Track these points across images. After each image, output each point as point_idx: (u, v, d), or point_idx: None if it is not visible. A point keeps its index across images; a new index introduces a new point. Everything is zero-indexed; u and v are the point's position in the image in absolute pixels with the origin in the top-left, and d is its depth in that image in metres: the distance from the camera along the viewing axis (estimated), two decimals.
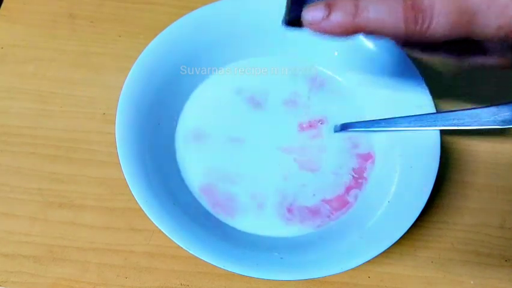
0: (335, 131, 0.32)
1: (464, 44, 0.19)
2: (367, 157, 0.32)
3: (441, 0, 0.18)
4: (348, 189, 0.31)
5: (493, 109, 0.28)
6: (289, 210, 0.30)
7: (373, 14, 0.19)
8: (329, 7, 0.19)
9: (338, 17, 0.19)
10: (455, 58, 0.22)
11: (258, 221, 0.30)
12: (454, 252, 0.31)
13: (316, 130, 0.33)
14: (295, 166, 0.31)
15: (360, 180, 0.31)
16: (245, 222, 0.30)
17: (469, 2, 0.18)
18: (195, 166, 0.31)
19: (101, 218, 0.31)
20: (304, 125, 0.33)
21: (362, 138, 0.32)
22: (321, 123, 0.33)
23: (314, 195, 0.30)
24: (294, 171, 0.31)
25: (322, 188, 0.31)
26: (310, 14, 0.20)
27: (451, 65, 0.37)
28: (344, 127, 0.32)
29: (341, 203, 0.30)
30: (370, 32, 0.19)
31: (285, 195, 0.30)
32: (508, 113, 0.28)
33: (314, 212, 0.30)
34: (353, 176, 0.31)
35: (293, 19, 0.21)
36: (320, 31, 0.20)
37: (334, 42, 0.33)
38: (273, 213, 0.30)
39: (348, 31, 0.19)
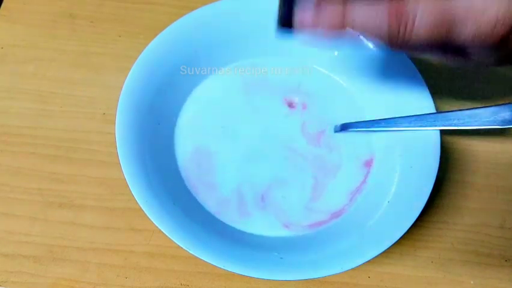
0: (335, 131, 0.32)
1: (446, 45, 0.20)
2: (370, 162, 0.32)
3: (423, 8, 0.19)
4: (341, 208, 0.31)
5: (493, 109, 0.28)
6: (262, 200, 0.30)
7: (359, 16, 0.20)
8: (318, 8, 0.20)
9: (325, 18, 0.20)
10: (440, 57, 0.22)
11: (257, 221, 0.30)
12: (454, 252, 0.31)
13: (318, 131, 0.33)
14: (298, 170, 0.31)
15: (361, 186, 0.31)
16: (245, 222, 0.30)
17: (449, 11, 0.19)
18: (195, 166, 0.31)
19: (101, 218, 0.31)
20: (305, 126, 0.33)
21: (362, 140, 0.32)
22: (323, 128, 0.33)
23: (285, 221, 0.30)
24: (295, 175, 0.31)
25: (310, 214, 0.30)
26: (300, 14, 0.21)
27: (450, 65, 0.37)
28: (344, 127, 0.32)
29: (329, 219, 0.30)
30: (356, 32, 0.20)
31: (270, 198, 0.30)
32: (508, 113, 0.28)
33: (286, 225, 0.30)
34: (356, 189, 0.31)
35: (285, 21, 0.22)
36: (309, 31, 0.21)
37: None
38: (270, 213, 0.30)
39: (335, 31, 0.21)
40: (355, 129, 0.32)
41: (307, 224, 0.30)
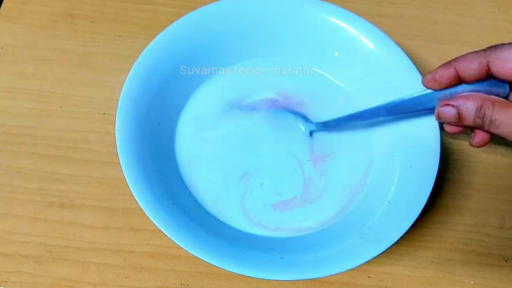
0: (318, 130, 0.32)
1: None
2: (371, 165, 0.32)
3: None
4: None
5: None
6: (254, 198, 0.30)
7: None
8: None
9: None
10: None
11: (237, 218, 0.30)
12: (454, 252, 0.31)
13: (318, 135, 0.33)
14: (296, 174, 0.31)
15: (360, 187, 0.31)
16: (246, 222, 0.30)
17: None
18: (195, 166, 0.31)
19: (101, 218, 0.31)
20: (305, 127, 0.33)
21: (362, 140, 0.32)
22: (322, 128, 0.32)
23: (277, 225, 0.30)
24: (295, 180, 0.31)
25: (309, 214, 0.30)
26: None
27: None
28: (324, 125, 0.32)
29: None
30: None
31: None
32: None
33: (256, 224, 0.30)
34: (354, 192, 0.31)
35: None
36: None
37: (334, 42, 0.33)
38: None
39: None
40: (336, 125, 0.31)
41: (259, 221, 0.30)
